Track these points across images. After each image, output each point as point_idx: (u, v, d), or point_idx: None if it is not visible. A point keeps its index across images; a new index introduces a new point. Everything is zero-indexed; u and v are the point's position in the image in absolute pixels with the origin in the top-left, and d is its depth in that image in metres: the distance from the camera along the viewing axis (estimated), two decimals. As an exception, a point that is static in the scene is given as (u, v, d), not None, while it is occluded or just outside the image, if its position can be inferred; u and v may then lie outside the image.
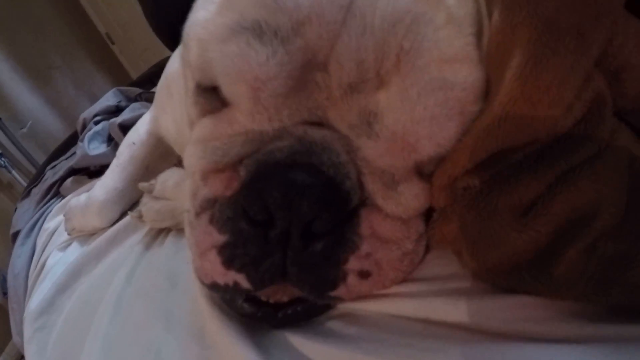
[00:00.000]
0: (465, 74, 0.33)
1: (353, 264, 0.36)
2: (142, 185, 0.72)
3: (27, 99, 2.23)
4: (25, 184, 2.14)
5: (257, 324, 0.42)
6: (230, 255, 0.35)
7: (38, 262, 0.99)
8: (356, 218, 0.35)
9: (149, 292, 0.58)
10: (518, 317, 0.35)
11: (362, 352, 0.36)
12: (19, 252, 1.11)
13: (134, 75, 2.81)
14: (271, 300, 0.40)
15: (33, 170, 2.24)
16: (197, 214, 0.37)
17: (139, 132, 0.87)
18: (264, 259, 0.35)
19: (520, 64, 0.31)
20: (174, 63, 0.76)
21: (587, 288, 0.32)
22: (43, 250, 1.01)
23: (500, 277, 0.36)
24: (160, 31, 1.91)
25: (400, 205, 0.36)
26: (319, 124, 0.34)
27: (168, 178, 0.71)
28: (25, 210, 1.30)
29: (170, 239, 0.68)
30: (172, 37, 2.02)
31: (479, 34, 0.34)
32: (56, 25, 2.42)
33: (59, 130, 2.31)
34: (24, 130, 2.22)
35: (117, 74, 2.71)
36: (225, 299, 0.42)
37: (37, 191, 1.33)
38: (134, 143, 0.87)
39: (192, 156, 0.38)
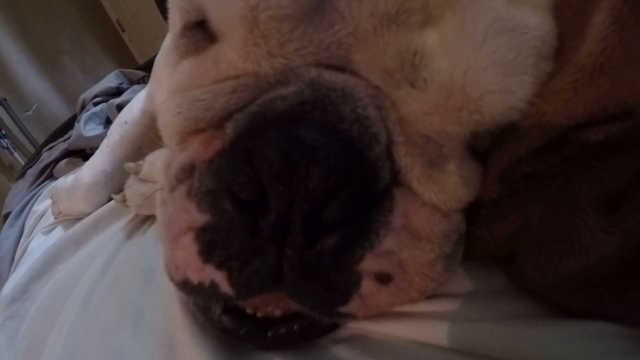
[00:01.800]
0: (538, 20, 0.23)
1: (370, 263, 0.25)
2: (129, 165, 0.62)
3: (33, 81, 2.17)
4: (27, 167, 2.10)
5: (239, 343, 0.31)
6: (209, 242, 0.25)
7: (24, 244, 0.92)
8: (388, 201, 0.24)
9: (122, 286, 0.48)
10: (595, 351, 0.24)
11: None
12: (7, 234, 1.05)
13: (142, 62, 2.76)
14: (259, 314, 0.29)
15: (35, 153, 2.19)
16: (172, 188, 0.27)
17: (132, 110, 0.77)
18: (252, 256, 0.24)
19: (616, 3, 0.23)
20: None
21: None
22: (30, 233, 0.94)
23: (570, 296, 0.26)
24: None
25: (443, 192, 0.25)
26: (340, 68, 0.24)
27: (157, 159, 0.60)
28: (18, 191, 1.24)
29: (152, 229, 0.58)
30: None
31: None
32: (67, 10, 2.35)
33: (63, 115, 2.25)
34: (29, 112, 2.17)
35: (126, 62, 2.62)
36: (200, 306, 0.31)
37: (32, 172, 1.26)
38: (126, 122, 0.77)
39: (165, 113, 0.28)
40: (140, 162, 0.63)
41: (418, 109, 0.23)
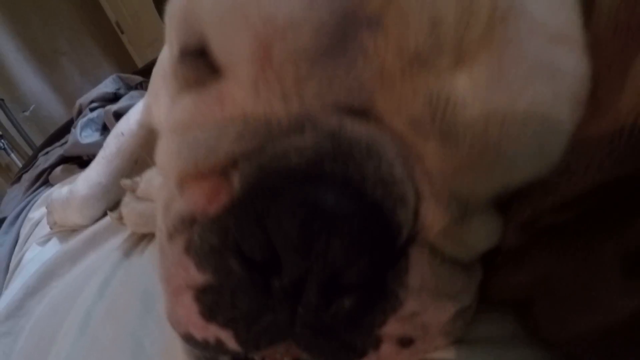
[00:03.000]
0: (576, 62, 0.21)
1: (393, 327, 0.23)
2: (125, 182, 0.60)
3: (31, 82, 2.16)
4: (24, 168, 2.08)
5: None
6: (211, 305, 0.23)
7: (19, 253, 0.89)
8: (404, 261, 0.22)
9: (119, 312, 0.46)
10: None
11: None
12: (2, 241, 1.02)
13: (141, 64, 2.74)
14: None
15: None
16: (170, 237, 0.24)
17: (129, 121, 0.75)
18: (261, 315, 0.22)
19: None
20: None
21: None
22: (25, 242, 0.92)
23: (583, 348, 0.24)
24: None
25: (465, 245, 0.24)
26: (361, 113, 0.21)
27: (154, 177, 0.59)
28: (13, 196, 1.22)
29: (150, 249, 0.55)
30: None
31: (584, 10, 0.22)
32: (66, 10, 2.33)
33: (61, 116, 2.23)
34: (26, 113, 2.16)
35: (124, 63, 2.62)
36: (205, 356, 0.29)
37: (28, 177, 1.24)
38: (122, 134, 0.74)
39: (164, 152, 0.25)
40: (137, 179, 0.61)
41: (447, 165, 0.21)
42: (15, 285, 0.70)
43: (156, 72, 0.70)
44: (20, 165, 2.07)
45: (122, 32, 2.60)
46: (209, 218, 0.22)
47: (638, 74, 0.20)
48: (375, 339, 0.23)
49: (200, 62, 0.23)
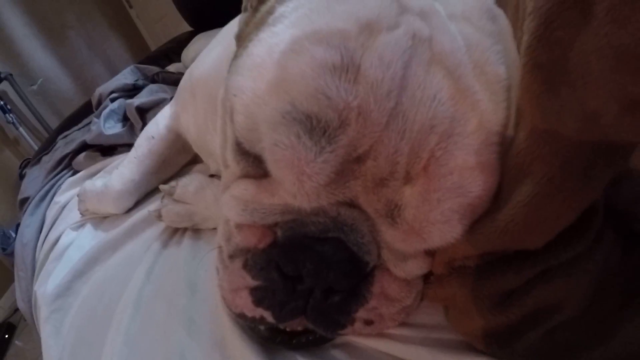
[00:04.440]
0: (482, 182, 0.36)
1: (361, 314, 0.43)
2: (163, 187, 0.78)
3: (39, 56, 2.25)
4: (31, 141, 2.19)
5: (275, 346, 0.50)
6: (260, 297, 0.42)
7: (47, 235, 1.05)
8: (371, 278, 0.42)
9: (169, 295, 0.64)
10: None
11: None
12: (28, 222, 1.16)
13: (149, 40, 2.81)
14: (287, 329, 0.47)
15: (40, 128, 2.28)
16: (230, 257, 0.43)
17: (159, 126, 0.92)
18: (288, 303, 0.42)
19: (530, 194, 0.35)
20: (201, 66, 0.80)
21: (538, 364, 0.39)
22: (53, 224, 1.07)
23: (473, 340, 0.44)
24: (180, 4, 1.93)
25: (406, 272, 0.43)
26: (350, 205, 0.39)
27: (189, 183, 0.76)
28: (35, 177, 1.35)
29: (187, 241, 0.74)
30: (192, 12, 2.02)
31: (503, 142, 0.37)
32: (74, -17, 2.40)
33: (69, 90, 2.34)
34: (34, 87, 2.24)
35: (132, 38, 2.72)
36: (249, 325, 0.50)
37: (48, 159, 1.38)
38: (153, 137, 0.91)
39: (230, 209, 0.43)
40: (173, 183, 0.78)
41: (394, 237, 0.39)
42: (61, 269, 0.86)
43: (184, 87, 0.87)
44: (28, 138, 2.19)
45: (131, 7, 2.69)
46: (259, 250, 0.42)
47: (517, 199, 0.35)
48: (351, 319, 0.43)
49: (256, 163, 0.41)
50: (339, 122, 0.34)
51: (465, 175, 0.36)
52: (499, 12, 0.42)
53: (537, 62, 0.36)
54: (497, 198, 0.38)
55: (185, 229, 0.78)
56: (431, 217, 0.36)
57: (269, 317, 0.43)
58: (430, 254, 0.43)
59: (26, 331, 2.09)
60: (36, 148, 1.90)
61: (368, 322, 0.44)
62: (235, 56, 0.46)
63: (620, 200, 0.41)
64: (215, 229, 0.63)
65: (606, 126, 0.36)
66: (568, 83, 0.36)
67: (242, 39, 0.47)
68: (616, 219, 0.41)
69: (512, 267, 0.39)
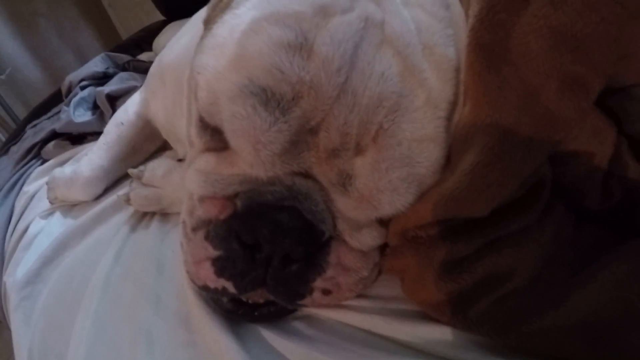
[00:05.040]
0: (429, 153, 0.40)
1: (319, 283, 0.45)
2: (132, 171, 0.80)
3: (7, 44, 2.18)
4: (-1, 132, 2.14)
5: (237, 318, 0.52)
6: (222, 267, 0.44)
7: (16, 225, 1.04)
8: (327, 248, 0.44)
9: (137, 275, 0.66)
10: (435, 340, 0.46)
11: (317, 351, 0.47)
12: None
13: (121, 30, 2.76)
14: (250, 301, 0.50)
15: (8, 119, 2.22)
16: (193, 229, 0.46)
17: (128, 112, 0.93)
18: (249, 273, 0.44)
19: (472, 163, 0.39)
20: (171, 53, 0.82)
21: (491, 330, 0.42)
22: (22, 214, 1.06)
23: (428, 309, 0.46)
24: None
25: (361, 242, 0.45)
26: (305, 175, 0.42)
27: (157, 167, 0.78)
28: (3, 167, 1.33)
29: (155, 224, 0.76)
30: (164, 1, 2.02)
31: (450, 117, 0.41)
32: (45, -29, 2.34)
33: (38, 80, 2.28)
34: (2, 77, 2.17)
35: (104, 28, 2.66)
36: (212, 297, 0.52)
37: (17, 149, 1.36)
38: (122, 123, 0.93)
39: (193, 182, 0.46)
40: (142, 168, 0.80)
41: (345, 207, 0.42)
42: (30, 256, 0.86)
43: (153, 74, 0.88)
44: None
45: (104, -5, 2.65)
46: (220, 221, 0.44)
47: (461, 167, 0.39)
48: (309, 288, 0.46)
49: (216, 137, 0.43)
50: (292, 95, 0.38)
51: (413, 146, 0.39)
52: (453, 1, 0.46)
53: (479, 42, 0.40)
54: (446, 169, 0.42)
55: (153, 214, 0.80)
56: (380, 185, 0.39)
57: (230, 287, 0.45)
58: (384, 224, 0.46)
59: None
60: (4, 139, 1.87)
61: (326, 292, 0.46)
62: (201, 38, 0.49)
63: (569, 179, 0.45)
64: (182, 213, 0.65)
65: (546, 102, 0.39)
66: (509, 61, 0.40)
67: (208, 23, 0.50)
68: (567, 196, 0.45)
69: (462, 236, 0.42)
